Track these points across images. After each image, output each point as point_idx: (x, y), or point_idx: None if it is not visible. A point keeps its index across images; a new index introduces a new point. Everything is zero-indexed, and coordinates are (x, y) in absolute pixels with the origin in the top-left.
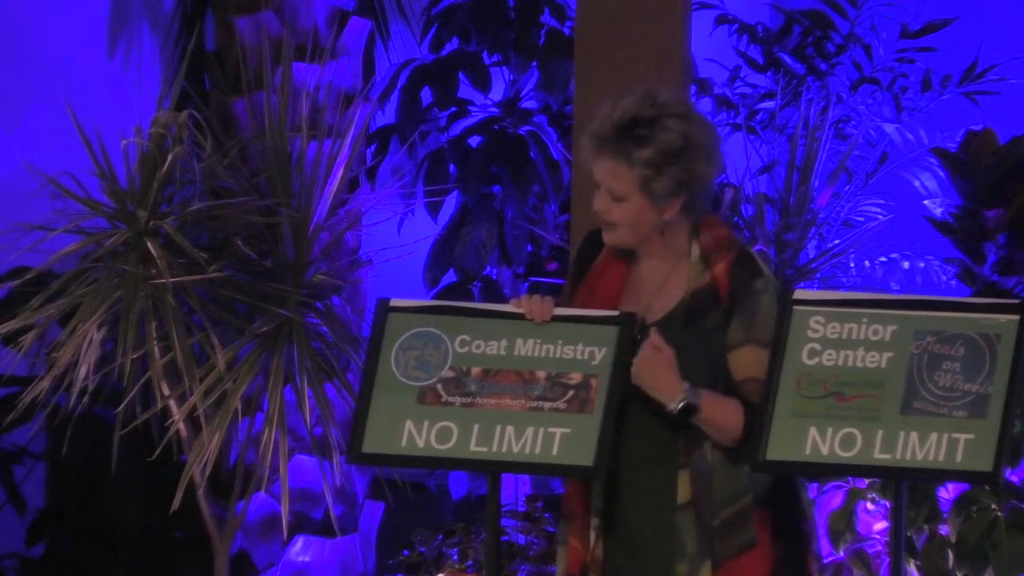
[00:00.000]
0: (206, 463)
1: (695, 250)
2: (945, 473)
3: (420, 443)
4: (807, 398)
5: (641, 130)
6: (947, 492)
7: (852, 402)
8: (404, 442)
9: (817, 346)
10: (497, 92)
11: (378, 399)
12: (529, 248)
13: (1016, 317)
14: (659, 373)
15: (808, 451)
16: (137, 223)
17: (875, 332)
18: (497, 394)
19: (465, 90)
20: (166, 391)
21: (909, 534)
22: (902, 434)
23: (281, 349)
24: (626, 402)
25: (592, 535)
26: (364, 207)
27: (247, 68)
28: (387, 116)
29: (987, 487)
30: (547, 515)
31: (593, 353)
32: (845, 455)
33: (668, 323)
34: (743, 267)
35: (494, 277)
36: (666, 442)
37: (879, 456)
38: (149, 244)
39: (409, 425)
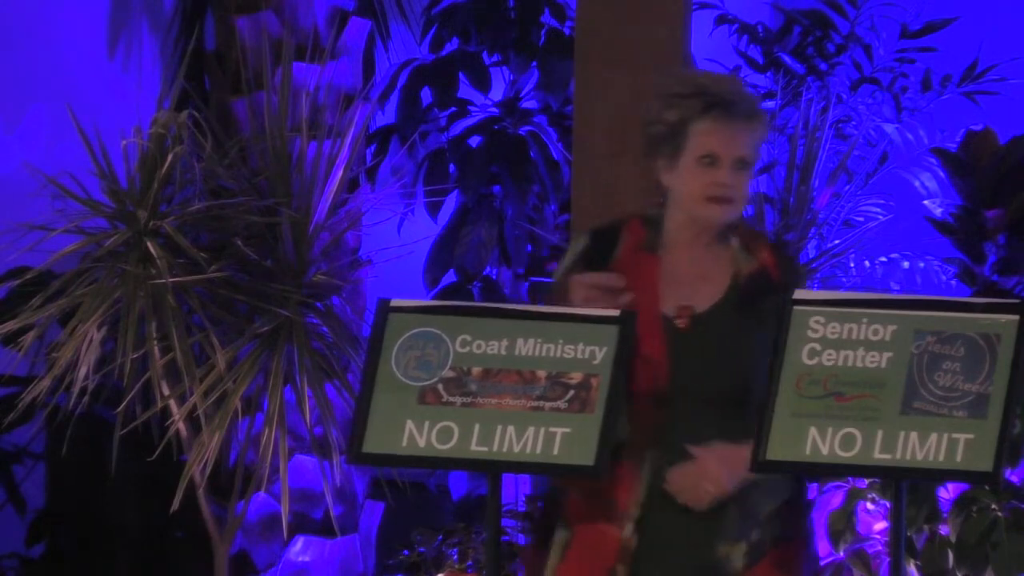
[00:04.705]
0: (206, 463)
1: (735, 240)
2: (945, 473)
3: (420, 443)
4: (807, 398)
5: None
6: (947, 492)
7: (852, 402)
8: (404, 442)
9: (817, 346)
10: (497, 92)
11: (378, 399)
12: (529, 248)
13: (1016, 317)
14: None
15: (808, 451)
16: (137, 223)
17: (875, 332)
18: (498, 394)
19: (465, 90)
20: (166, 391)
21: (909, 534)
22: (902, 434)
23: (281, 349)
24: (676, 392)
25: (631, 526)
26: (364, 207)
27: (247, 68)
28: (387, 116)
29: (987, 487)
30: None
31: (594, 352)
32: (845, 455)
33: (721, 309)
34: (783, 253)
35: (494, 277)
36: (718, 430)
37: (879, 456)
38: (149, 244)
39: (410, 425)
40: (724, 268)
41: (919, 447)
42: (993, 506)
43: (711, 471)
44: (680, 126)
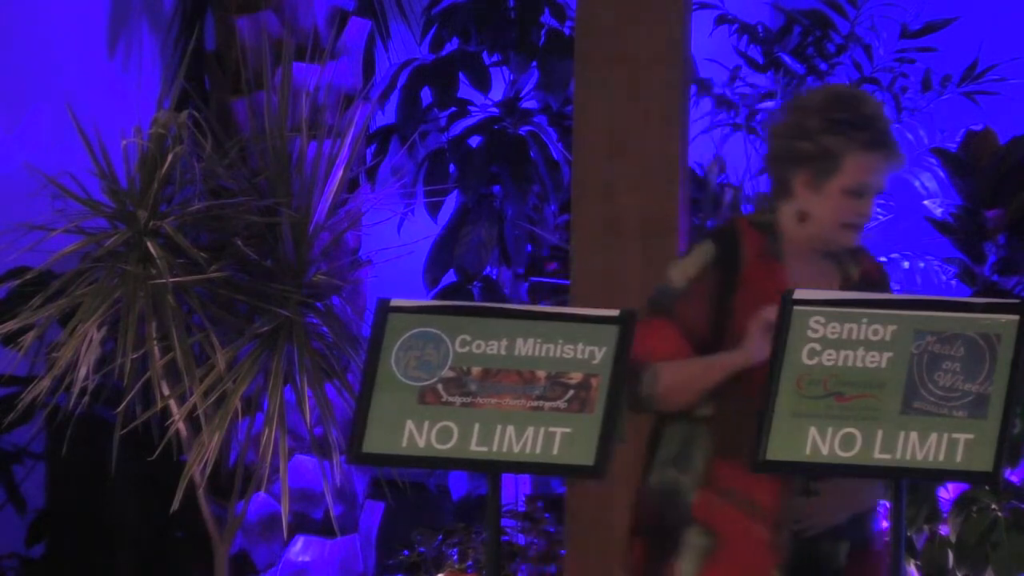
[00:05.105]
0: (206, 463)
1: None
2: (945, 473)
3: (420, 443)
4: (807, 398)
5: None
6: (947, 492)
7: (852, 402)
8: (404, 442)
9: (817, 346)
10: (497, 92)
11: (378, 399)
12: (529, 248)
13: (1016, 317)
14: None
15: (808, 451)
16: (137, 223)
17: (875, 332)
18: (497, 394)
19: (465, 90)
20: (166, 391)
21: (909, 534)
22: (902, 434)
23: (281, 349)
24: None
25: (785, 533)
26: (364, 207)
27: (247, 68)
28: (387, 116)
29: (987, 487)
30: (547, 515)
31: (593, 352)
32: (845, 455)
33: None
34: (875, 259)
35: (494, 277)
36: None
37: (879, 456)
38: (149, 244)
39: (409, 425)
40: (832, 275)
41: (919, 447)
42: (993, 506)
43: (829, 506)
44: (838, 154)
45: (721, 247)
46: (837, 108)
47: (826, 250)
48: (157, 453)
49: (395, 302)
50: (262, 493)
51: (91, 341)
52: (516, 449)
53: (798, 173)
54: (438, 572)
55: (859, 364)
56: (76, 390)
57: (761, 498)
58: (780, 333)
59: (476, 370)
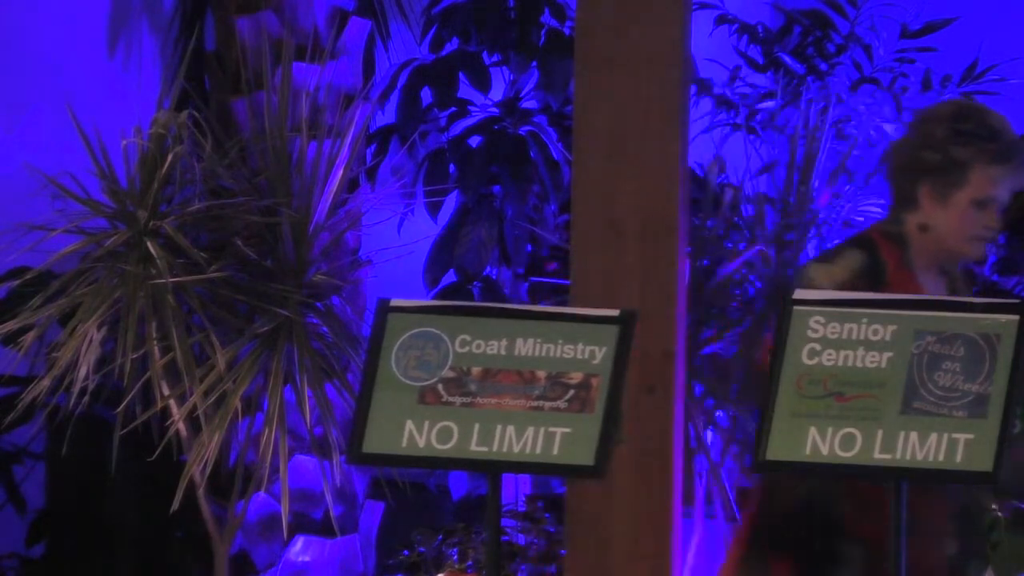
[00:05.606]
0: (206, 463)
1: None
2: (945, 473)
3: (420, 443)
4: (807, 398)
5: None
6: None
7: (852, 402)
8: (404, 442)
9: (817, 346)
10: (497, 92)
11: (378, 399)
12: (529, 248)
13: (1016, 317)
14: None
15: (808, 451)
16: (137, 223)
17: (875, 332)
18: (497, 394)
19: (465, 90)
20: (166, 391)
21: None
22: (902, 434)
23: (281, 349)
24: None
25: (952, 542)
26: (364, 207)
27: (247, 68)
28: (387, 116)
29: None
30: (547, 515)
31: (593, 352)
32: (845, 455)
33: None
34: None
35: (494, 277)
36: None
37: (879, 456)
38: (149, 244)
39: (409, 425)
40: (943, 285)
41: (919, 447)
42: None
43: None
44: (965, 165)
45: (868, 256)
46: (965, 120)
47: (948, 262)
48: (157, 453)
49: (395, 302)
50: (262, 493)
51: (91, 341)
52: (516, 449)
53: (923, 184)
54: (438, 572)
55: (859, 364)
56: (76, 390)
57: (921, 513)
58: (780, 333)
59: (476, 370)
